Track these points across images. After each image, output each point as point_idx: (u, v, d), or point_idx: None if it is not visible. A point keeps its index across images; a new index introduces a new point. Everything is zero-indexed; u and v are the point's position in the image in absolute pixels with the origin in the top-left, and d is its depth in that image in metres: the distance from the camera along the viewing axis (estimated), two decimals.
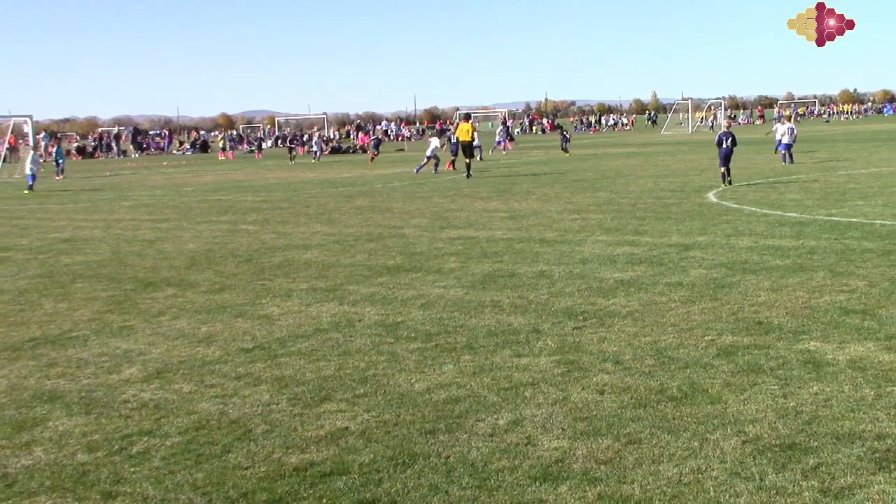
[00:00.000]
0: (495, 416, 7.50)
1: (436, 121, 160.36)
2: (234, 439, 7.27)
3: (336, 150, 79.61)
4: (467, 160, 37.53)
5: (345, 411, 7.83)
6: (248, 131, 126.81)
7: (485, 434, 7.10)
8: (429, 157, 41.91)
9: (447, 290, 12.99)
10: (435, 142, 43.63)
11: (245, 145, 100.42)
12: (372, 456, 6.74)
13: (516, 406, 7.76)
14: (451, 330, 10.60)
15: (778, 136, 39.65)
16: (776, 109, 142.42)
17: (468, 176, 36.55)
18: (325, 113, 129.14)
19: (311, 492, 6.16)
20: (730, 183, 28.45)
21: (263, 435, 7.34)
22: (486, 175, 38.30)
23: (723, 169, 28.88)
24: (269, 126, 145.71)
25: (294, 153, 65.48)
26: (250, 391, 8.56)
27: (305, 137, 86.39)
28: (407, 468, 6.48)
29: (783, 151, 37.63)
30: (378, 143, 63.27)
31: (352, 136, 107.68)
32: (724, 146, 28.83)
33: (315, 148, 64.42)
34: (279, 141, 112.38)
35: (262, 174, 48.95)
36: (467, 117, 41.20)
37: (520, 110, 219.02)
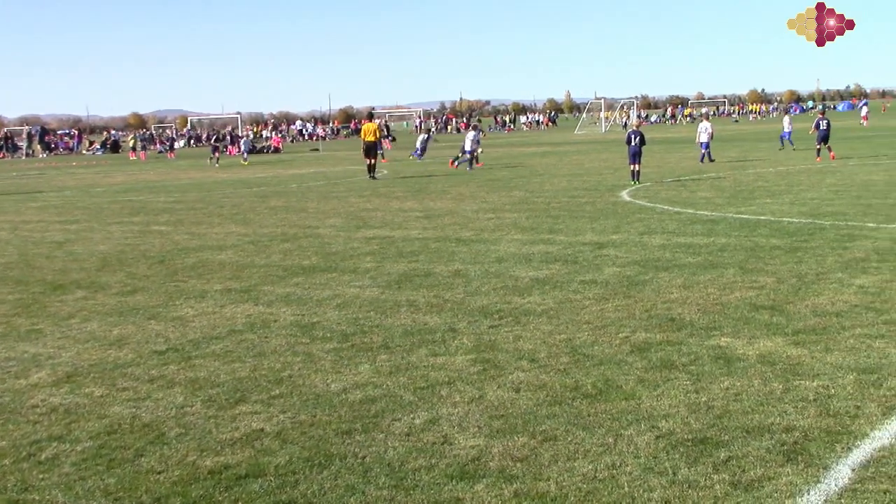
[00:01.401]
0: (412, 416, 7.50)
1: (350, 120, 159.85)
2: (146, 443, 7.16)
3: (251, 151, 78.75)
4: (371, 161, 37.05)
5: (260, 413, 7.76)
6: (161, 131, 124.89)
7: (401, 433, 7.10)
8: (468, 152, 41.62)
9: (363, 289, 12.95)
10: (471, 136, 43.00)
11: (157, 145, 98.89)
12: (288, 457, 6.69)
13: (433, 405, 7.76)
14: (367, 330, 10.57)
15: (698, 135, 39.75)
16: (690, 109, 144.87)
17: (372, 178, 36.20)
18: (238, 112, 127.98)
19: (226, 495, 6.10)
20: (639, 181, 28.86)
21: (177, 438, 7.24)
22: (401, 175, 38.26)
23: (632, 167, 29.29)
24: (182, 126, 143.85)
25: (219, 154, 58.69)
26: (163, 394, 8.44)
27: (229, 138, 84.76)
28: (323, 469, 6.44)
29: (704, 150, 38.04)
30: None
31: (265, 136, 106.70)
32: (633, 144, 29.26)
33: (244, 148, 61.57)
34: (192, 141, 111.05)
35: (175, 174, 48.29)
36: (371, 117, 40.76)
37: (435, 110, 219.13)
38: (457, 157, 42.74)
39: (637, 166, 29.31)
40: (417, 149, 51.39)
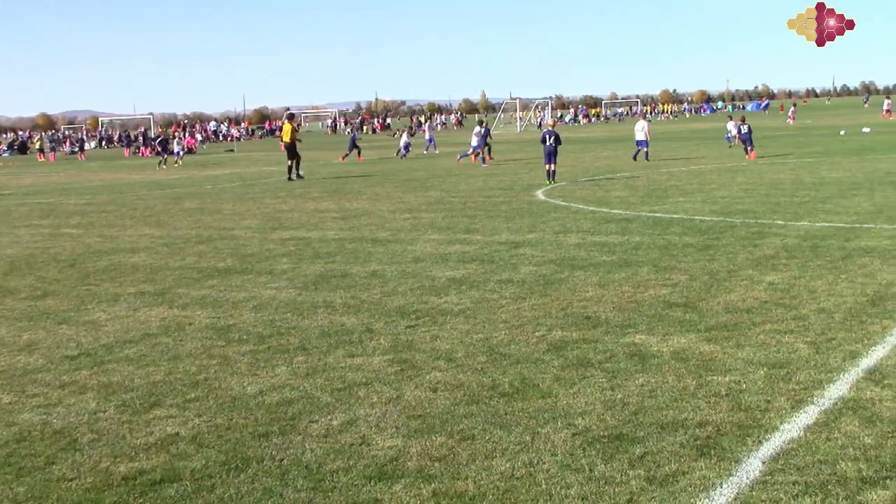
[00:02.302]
0: (329, 417, 7.47)
1: (265, 121, 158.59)
2: (58, 450, 7.02)
3: (163, 152, 77.61)
4: (289, 162, 36.46)
5: (175, 417, 7.67)
6: (70, 132, 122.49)
7: (319, 435, 7.06)
8: (474, 147, 41.40)
9: (279, 291, 12.87)
10: (477, 131, 42.89)
11: (67, 146, 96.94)
12: (204, 461, 6.61)
13: (350, 406, 7.74)
14: (283, 331, 10.50)
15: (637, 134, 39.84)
16: (597, 109, 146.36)
17: (289, 179, 35.79)
18: (151, 113, 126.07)
19: (140, 501, 6.01)
20: (554, 181, 29.11)
21: (90, 444, 7.11)
22: (317, 176, 38.07)
23: (547, 166, 29.54)
24: (93, 127, 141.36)
25: (167, 155, 55.16)
26: (75, 399, 8.29)
27: (159, 139, 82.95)
28: (240, 473, 6.38)
29: (643, 149, 38.52)
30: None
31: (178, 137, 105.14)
32: (548, 144, 29.52)
33: (178, 149, 58.11)
34: (104, 142, 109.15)
35: (85, 176, 47.45)
36: (291, 118, 40.33)
37: (350, 110, 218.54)
38: (465, 153, 42.79)
39: (552, 166, 29.56)
40: (401, 149, 52.04)
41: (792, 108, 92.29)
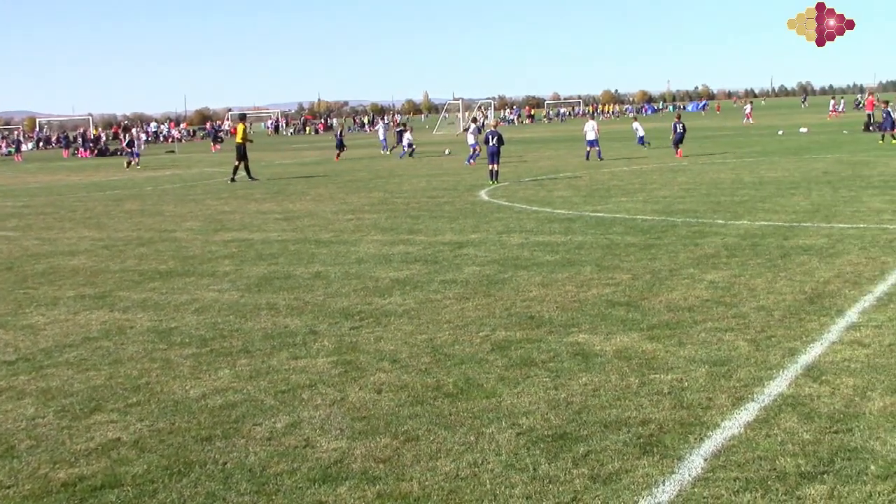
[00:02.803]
0: (273, 420, 7.43)
1: (206, 121, 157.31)
2: None
3: (102, 153, 76.77)
4: (237, 163, 35.83)
5: (117, 421, 7.58)
6: (6, 132, 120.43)
7: (262, 438, 7.02)
8: (473, 146, 40.73)
9: (222, 293, 12.77)
10: (472, 128, 42.54)
11: (2, 147, 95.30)
12: (146, 466, 6.54)
13: (294, 408, 7.70)
14: (226, 334, 10.43)
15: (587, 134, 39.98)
16: (535, 110, 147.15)
17: (232, 180, 35.32)
18: (90, 114, 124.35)
19: None
20: (497, 181, 29.21)
21: (28, 450, 7.00)
22: (260, 177, 37.83)
23: (490, 167, 29.63)
24: (30, 128, 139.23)
25: (136, 158, 52.98)
26: (13, 405, 8.16)
27: (81, 140, 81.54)
28: (183, 477, 6.32)
29: (596, 148, 38.80)
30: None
31: (120, 138, 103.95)
32: (491, 144, 29.60)
33: (136, 150, 55.23)
34: (41, 143, 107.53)
35: (22, 178, 46.75)
36: (243, 118, 39.76)
37: (293, 111, 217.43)
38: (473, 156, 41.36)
39: (495, 166, 29.64)
40: (404, 146, 51.26)
41: (748, 107, 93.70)
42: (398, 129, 60.66)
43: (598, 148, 38.54)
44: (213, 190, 32.21)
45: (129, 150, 54.30)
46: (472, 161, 39.65)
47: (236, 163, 35.75)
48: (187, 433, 7.21)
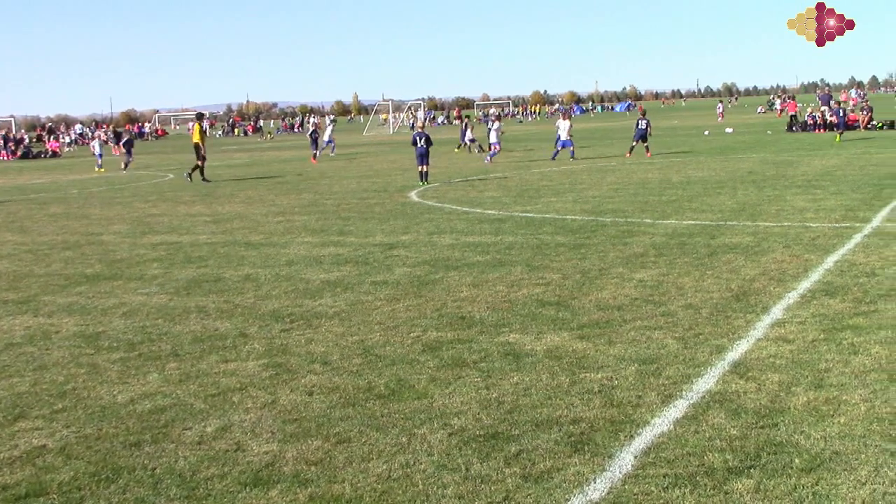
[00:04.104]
0: (203, 424, 7.36)
1: (134, 123, 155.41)
2: None
3: (26, 155, 75.33)
4: (198, 162, 35.31)
5: (42, 428, 7.45)
6: None
7: (192, 442, 6.95)
8: (494, 144, 40.21)
9: (150, 297, 12.62)
10: (497, 125, 41.89)
11: None
12: (73, 473, 6.44)
13: (224, 412, 7.64)
14: (154, 338, 10.31)
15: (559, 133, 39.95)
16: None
17: (189, 178, 35.00)
18: (12, 115, 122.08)
19: None
20: (427, 182, 29.23)
21: None
22: (187, 178, 37.44)
23: (420, 168, 29.64)
24: None
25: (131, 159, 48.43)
26: None
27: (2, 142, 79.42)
28: (111, 483, 6.24)
29: (568, 147, 38.87)
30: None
31: (44, 140, 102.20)
32: (419, 146, 29.61)
33: (98, 151, 51.54)
34: None
35: None
36: (200, 117, 38.91)
37: (221, 112, 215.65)
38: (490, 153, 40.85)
39: (425, 167, 29.64)
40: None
41: (719, 106, 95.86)
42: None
43: (571, 147, 38.69)
44: (141, 192, 31.81)
45: (126, 151, 49.25)
46: (490, 159, 39.39)
47: (198, 162, 35.39)
48: (115, 439, 7.12)
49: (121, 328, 10.88)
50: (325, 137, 54.21)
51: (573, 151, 38.81)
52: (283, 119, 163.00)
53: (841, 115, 47.72)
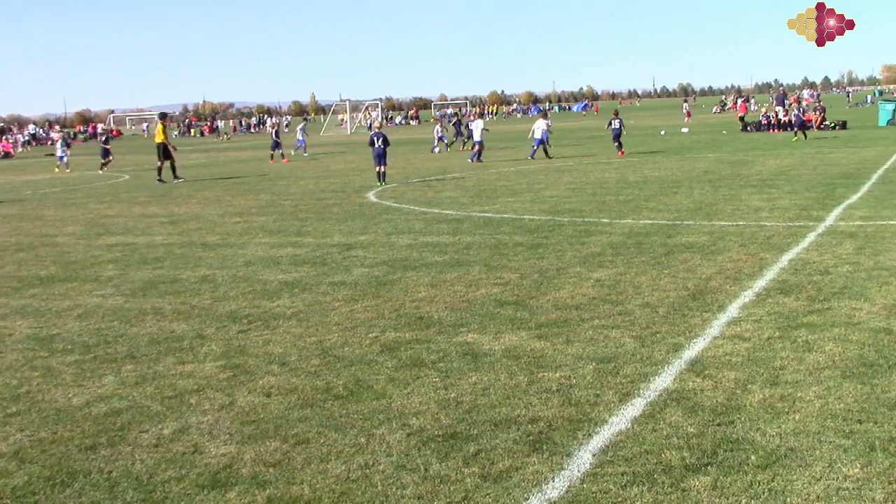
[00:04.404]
0: (160, 426, 7.30)
1: (88, 123, 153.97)
2: None
3: None
4: (159, 163, 35.05)
5: None
6: None
7: (149, 445, 6.89)
8: (538, 141, 39.46)
9: (105, 298, 12.51)
10: (542, 124, 40.22)
11: None
12: (27, 478, 6.36)
13: (181, 414, 7.58)
14: (110, 340, 10.22)
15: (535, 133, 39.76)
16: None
17: (159, 180, 34.56)
18: None
19: None
20: (385, 182, 29.21)
21: None
22: (143, 180, 37.17)
23: (377, 168, 29.60)
24: None
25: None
26: None
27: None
28: (66, 488, 6.17)
29: (536, 147, 38.95)
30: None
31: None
32: (377, 146, 29.58)
33: (61, 153, 50.24)
34: None
35: None
36: (164, 117, 38.47)
37: (177, 113, 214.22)
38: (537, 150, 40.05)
39: (382, 168, 29.60)
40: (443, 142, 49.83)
41: (685, 105, 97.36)
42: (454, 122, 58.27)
43: (546, 146, 38.89)
44: (96, 193, 31.52)
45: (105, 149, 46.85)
46: (474, 159, 38.84)
47: (159, 163, 35.09)
48: (70, 442, 7.04)
49: (76, 330, 10.77)
50: (299, 137, 53.85)
51: (547, 149, 38.90)
52: (240, 120, 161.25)
53: (799, 115, 48.09)
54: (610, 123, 40.34)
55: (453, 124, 53.73)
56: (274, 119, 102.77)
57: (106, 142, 47.98)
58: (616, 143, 39.57)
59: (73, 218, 23.56)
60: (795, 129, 45.49)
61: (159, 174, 34.95)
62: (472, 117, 45.08)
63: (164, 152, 35.16)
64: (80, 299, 12.55)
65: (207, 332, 10.39)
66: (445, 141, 48.84)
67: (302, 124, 59.28)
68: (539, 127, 39.32)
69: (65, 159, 49.53)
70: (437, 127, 52.76)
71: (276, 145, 47.23)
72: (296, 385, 8.22)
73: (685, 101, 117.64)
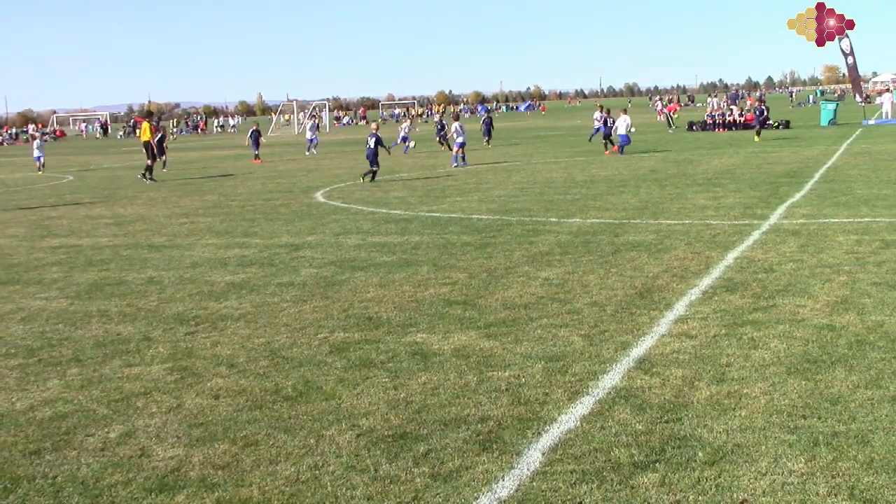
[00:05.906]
0: (106, 430, 7.22)
1: (27, 123, 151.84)
2: None
3: None
4: (149, 161, 34.59)
5: None
6: None
7: (95, 449, 6.82)
8: (622, 136, 38.62)
9: (49, 301, 12.35)
10: (625, 120, 39.11)
11: None
12: None
13: (128, 417, 7.51)
14: (55, 343, 10.09)
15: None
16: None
17: (143, 177, 34.20)
18: None
19: None
20: (365, 179, 29.32)
21: None
22: (88, 181, 36.74)
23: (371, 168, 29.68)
24: None
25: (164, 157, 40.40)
26: None
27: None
28: (10, 493, 6.09)
29: (624, 143, 38.76)
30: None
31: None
32: (369, 146, 29.60)
33: (39, 153, 46.34)
34: None
35: None
36: (149, 116, 37.95)
37: (122, 113, 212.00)
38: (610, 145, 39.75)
39: (374, 167, 29.51)
40: (397, 141, 48.28)
41: (658, 104, 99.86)
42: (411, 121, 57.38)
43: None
44: (39, 195, 31.11)
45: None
46: (455, 162, 36.94)
47: (148, 161, 34.72)
48: (14, 447, 6.95)
49: (19, 334, 10.62)
50: (308, 135, 52.56)
51: (622, 148, 38.38)
52: (186, 119, 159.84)
53: (762, 114, 47.98)
54: (605, 121, 40.99)
55: (438, 131, 52.20)
56: (221, 120, 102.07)
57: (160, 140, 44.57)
58: (597, 137, 40.55)
59: (15, 219, 23.23)
60: (757, 127, 45.76)
61: (150, 173, 34.46)
62: (452, 117, 44.33)
63: (152, 150, 35.14)
64: (23, 302, 12.38)
65: (154, 334, 10.29)
66: (409, 142, 48.25)
67: (312, 122, 58.47)
68: (623, 122, 38.84)
69: (42, 159, 47.03)
70: (406, 124, 52.42)
71: (256, 145, 45.60)
72: (244, 387, 8.17)
73: (659, 99, 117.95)
